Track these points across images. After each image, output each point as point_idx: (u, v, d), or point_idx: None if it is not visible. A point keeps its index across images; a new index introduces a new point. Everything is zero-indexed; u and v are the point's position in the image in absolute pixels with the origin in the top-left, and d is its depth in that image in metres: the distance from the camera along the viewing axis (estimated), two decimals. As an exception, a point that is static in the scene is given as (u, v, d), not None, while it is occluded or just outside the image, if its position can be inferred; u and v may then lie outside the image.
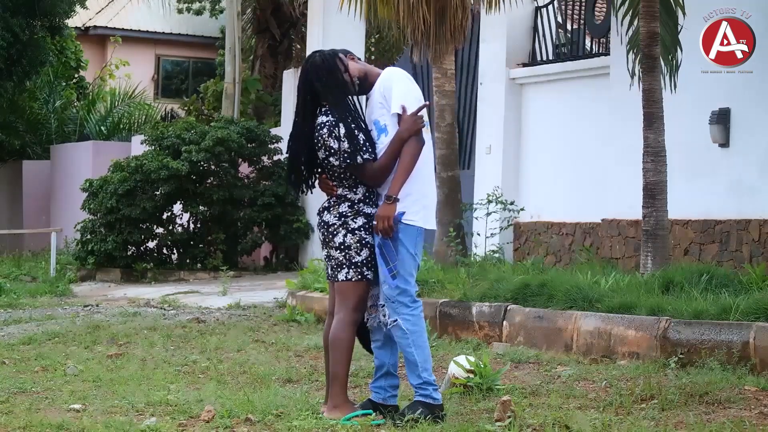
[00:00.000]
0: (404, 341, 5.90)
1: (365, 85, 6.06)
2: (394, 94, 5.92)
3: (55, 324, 10.67)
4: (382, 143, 5.95)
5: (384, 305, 5.94)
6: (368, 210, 6.00)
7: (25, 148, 24.29)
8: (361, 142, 5.92)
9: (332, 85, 5.99)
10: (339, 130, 5.92)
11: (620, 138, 11.58)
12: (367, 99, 6.13)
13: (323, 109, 6.01)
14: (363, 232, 5.97)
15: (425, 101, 6.05)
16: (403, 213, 5.89)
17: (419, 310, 5.96)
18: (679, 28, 10.00)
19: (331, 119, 5.95)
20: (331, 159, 5.95)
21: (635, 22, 10.16)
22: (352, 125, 5.94)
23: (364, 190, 6.02)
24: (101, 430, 5.81)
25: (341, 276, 5.99)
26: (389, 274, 5.87)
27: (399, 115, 5.92)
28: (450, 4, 11.76)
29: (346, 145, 5.90)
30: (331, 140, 5.92)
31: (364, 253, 5.96)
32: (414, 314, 5.92)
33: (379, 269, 5.94)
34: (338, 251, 5.99)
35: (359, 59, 6.17)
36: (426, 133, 5.99)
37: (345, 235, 5.97)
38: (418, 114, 5.92)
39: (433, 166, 6.13)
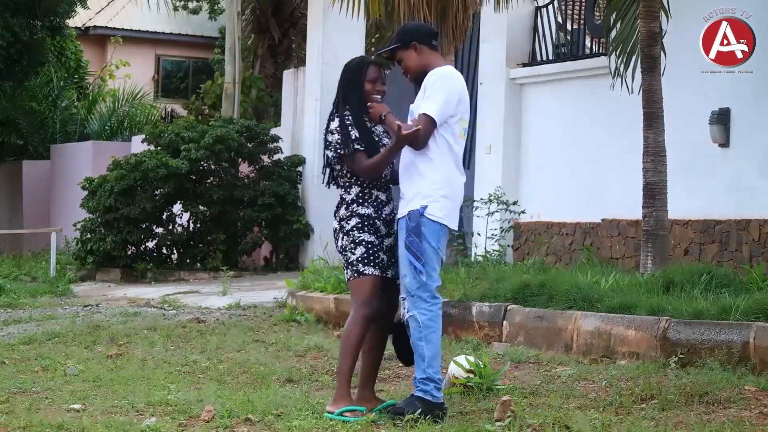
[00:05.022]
0: (416, 334, 5.96)
1: (422, 77, 6.09)
2: (424, 101, 5.95)
3: (55, 324, 10.66)
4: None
5: (405, 298, 5.97)
6: (361, 210, 6.08)
7: (27, 148, 24.28)
8: (354, 137, 6.03)
9: (351, 91, 6.12)
10: (333, 124, 6.09)
11: (620, 138, 11.57)
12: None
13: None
14: (356, 231, 6.06)
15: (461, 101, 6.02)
16: (426, 207, 5.91)
17: (437, 307, 6.01)
18: (663, 32, 10.01)
19: (332, 115, 6.15)
20: (327, 152, 6.11)
21: (618, 24, 10.29)
22: (347, 122, 6.05)
23: (357, 191, 6.10)
24: (101, 430, 5.81)
25: (346, 277, 6.17)
26: (424, 270, 5.89)
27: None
28: (451, 3, 11.74)
29: (337, 136, 6.05)
30: (328, 134, 6.11)
31: (358, 250, 6.04)
32: (431, 310, 5.98)
33: (401, 264, 5.96)
34: (341, 254, 6.16)
35: (435, 47, 6.19)
36: (461, 138, 6.01)
37: (342, 238, 6.12)
38: (414, 129, 5.89)
39: (462, 170, 6.12)
